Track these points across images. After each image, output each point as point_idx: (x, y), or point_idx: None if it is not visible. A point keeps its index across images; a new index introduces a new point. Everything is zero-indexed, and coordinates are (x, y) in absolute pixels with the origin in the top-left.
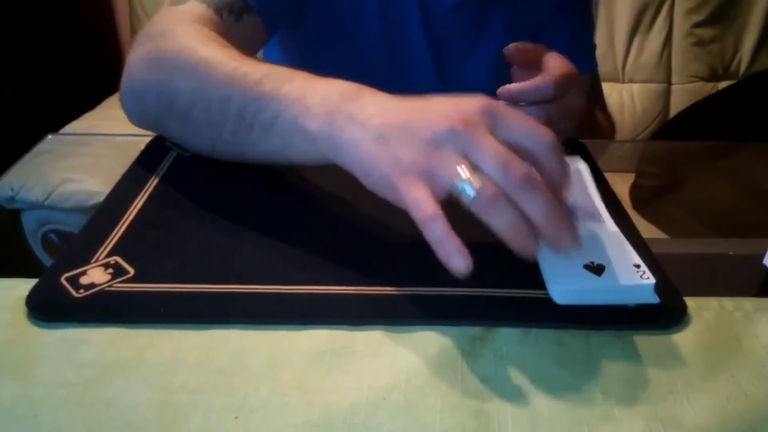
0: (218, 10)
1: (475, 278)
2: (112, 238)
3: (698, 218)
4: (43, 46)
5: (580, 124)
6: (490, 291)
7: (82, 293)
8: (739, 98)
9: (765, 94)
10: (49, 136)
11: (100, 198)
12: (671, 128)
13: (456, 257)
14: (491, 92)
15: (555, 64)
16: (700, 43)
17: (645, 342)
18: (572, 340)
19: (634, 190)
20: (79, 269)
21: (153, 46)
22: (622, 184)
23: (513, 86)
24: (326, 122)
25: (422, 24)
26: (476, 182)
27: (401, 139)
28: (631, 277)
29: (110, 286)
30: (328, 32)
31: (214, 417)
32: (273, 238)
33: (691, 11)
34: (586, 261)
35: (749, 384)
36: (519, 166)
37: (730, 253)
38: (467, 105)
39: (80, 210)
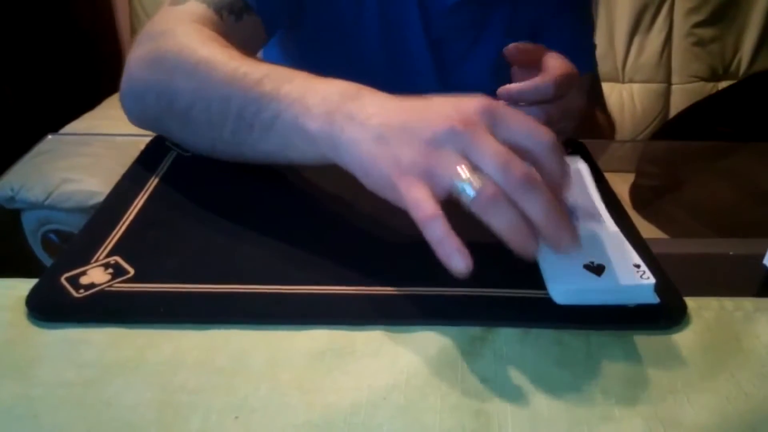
0: (218, 10)
1: (475, 278)
2: (112, 238)
3: (698, 218)
4: (43, 46)
5: (580, 124)
6: (490, 291)
7: (82, 293)
8: (739, 98)
9: (765, 94)
10: (49, 136)
11: (100, 198)
12: (671, 128)
13: (456, 257)
14: (491, 92)
15: (555, 64)
16: (700, 43)
17: (645, 342)
18: (572, 340)
19: (634, 190)
20: (79, 269)
21: (153, 46)
22: (622, 184)
23: (513, 86)
24: (326, 122)
25: (422, 24)
26: (476, 182)
27: (401, 139)
28: (631, 277)
29: (110, 286)
30: (328, 32)
31: (214, 417)
32: (273, 238)
33: (691, 11)
34: (586, 261)
35: (749, 384)
36: (519, 166)
37: (730, 253)
38: (467, 105)
39: (80, 210)
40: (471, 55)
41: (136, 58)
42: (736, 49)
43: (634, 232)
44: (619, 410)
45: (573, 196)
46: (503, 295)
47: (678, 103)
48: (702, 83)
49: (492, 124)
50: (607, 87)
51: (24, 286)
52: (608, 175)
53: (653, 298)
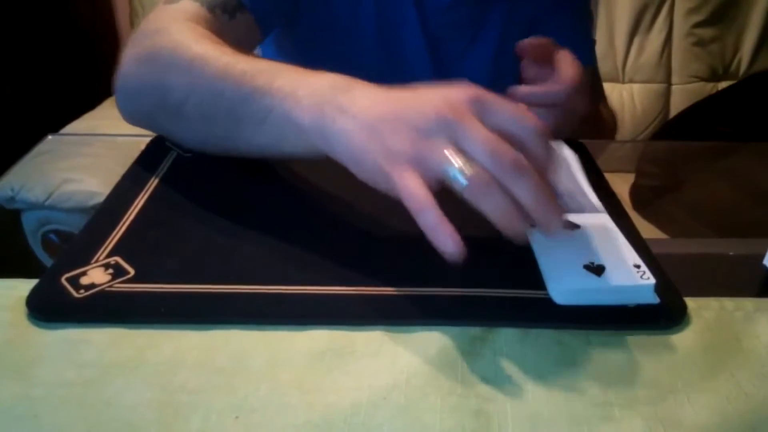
0: (212, 9)
1: (475, 278)
2: (113, 239)
3: (698, 218)
4: (43, 46)
5: (585, 120)
6: (490, 291)
7: (83, 293)
8: (739, 98)
9: (765, 94)
10: (50, 137)
11: (101, 198)
12: (671, 128)
13: (449, 244)
14: (489, 90)
15: (569, 71)
16: (700, 43)
17: (645, 342)
18: (572, 340)
19: (634, 190)
20: (80, 269)
21: (148, 44)
22: (622, 184)
23: (524, 88)
24: (317, 115)
25: (419, 23)
26: (468, 170)
27: (392, 129)
28: (631, 277)
29: (110, 286)
30: (324, 31)
31: (214, 417)
32: (273, 238)
33: (691, 11)
34: (586, 261)
35: (749, 384)
36: (508, 152)
37: (730, 253)
38: (456, 94)
39: (80, 210)
40: (469, 53)
41: (131, 55)
42: (736, 49)
43: (634, 232)
44: (619, 410)
45: (560, 180)
46: (503, 295)
47: (678, 103)
48: (702, 83)
49: (480, 112)
50: (607, 87)
51: (24, 286)
52: (608, 175)
53: (653, 298)
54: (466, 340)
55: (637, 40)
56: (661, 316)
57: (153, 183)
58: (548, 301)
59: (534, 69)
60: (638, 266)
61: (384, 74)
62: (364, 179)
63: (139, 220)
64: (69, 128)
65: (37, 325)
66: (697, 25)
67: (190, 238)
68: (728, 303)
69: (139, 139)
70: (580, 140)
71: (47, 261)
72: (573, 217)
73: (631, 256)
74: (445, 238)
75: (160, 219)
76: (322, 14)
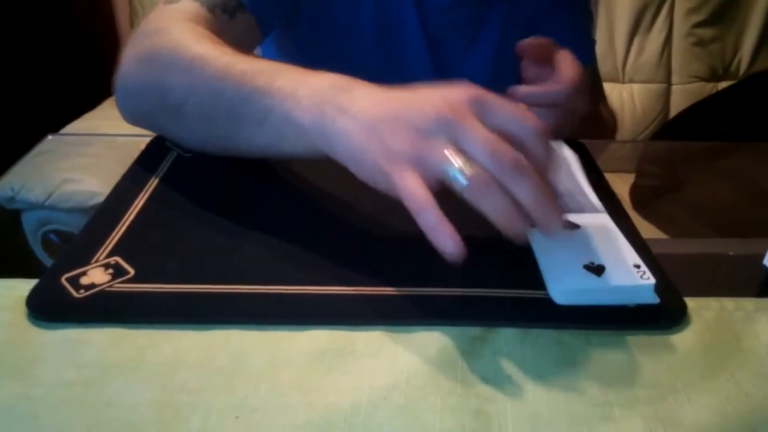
0: (212, 9)
1: (475, 278)
2: (113, 239)
3: (698, 218)
4: (43, 46)
5: (585, 120)
6: (490, 291)
7: (83, 293)
8: (739, 98)
9: (765, 94)
10: (50, 137)
11: (101, 198)
12: (671, 128)
13: (449, 244)
14: (489, 89)
15: (569, 72)
16: (700, 43)
17: (645, 342)
18: (572, 340)
19: (634, 190)
20: (80, 269)
21: (148, 44)
22: (622, 184)
23: (525, 88)
24: (317, 115)
25: (419, 23)
26: (468, 170)
27: (392, 129)
28: (631, 277)
29: (110, 286)
30: (325, 32)
31: (214, 417)
32: (273, 238)
33: (691, 11)
34: (586, 261)
35: (749, 384)
36: (508, 152)
37: (730, 253)
38: (456, 94)
39: (80, 210)
40: (469, 53)
41: (131, 55)
42: (736, 49)
43: (634, 232)
44: (619, 410)
45: (560, 180)
46: (503, 295)
47: (678, 103)
48: (702, 83)
49: (480, 112)
50: (607, 87)
51: (24, 286)
52: (608, 175)
53: (653, 298)
54: (466, 340)
55: (637, 40)
56: (661, 316)
57: (153, 183)
58: (548, 301)
59: (534, 69)
60: (638, 266)
61: (384, 74)
62: (364, 179)
63: (139, 220)
64: (69, 128)
65: (37, 325)
66: (697, 25)
67: (190, 238)
68: (728, 303)
69: (139, 139)
70: (580, 140)
71: (47, 261)
72: (573, 217)
73: (631, 256)
74: (445, 238)
75: (160, 219)
76: (322, 14)
